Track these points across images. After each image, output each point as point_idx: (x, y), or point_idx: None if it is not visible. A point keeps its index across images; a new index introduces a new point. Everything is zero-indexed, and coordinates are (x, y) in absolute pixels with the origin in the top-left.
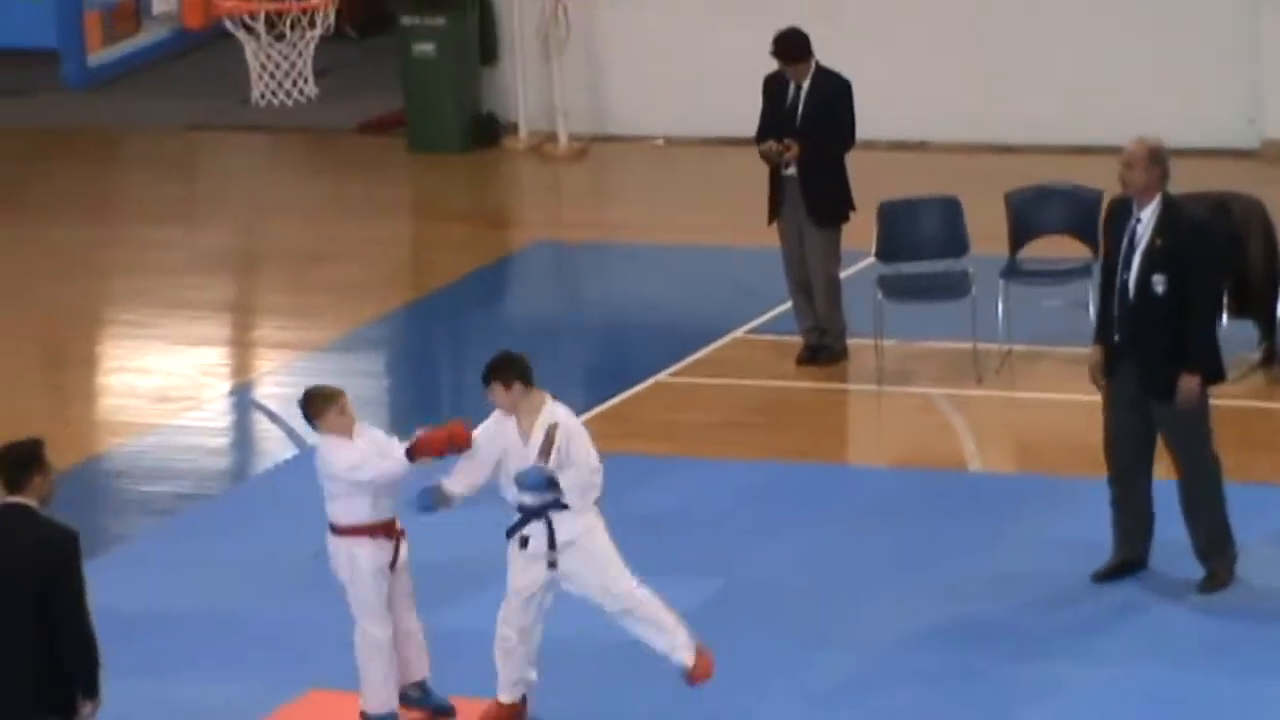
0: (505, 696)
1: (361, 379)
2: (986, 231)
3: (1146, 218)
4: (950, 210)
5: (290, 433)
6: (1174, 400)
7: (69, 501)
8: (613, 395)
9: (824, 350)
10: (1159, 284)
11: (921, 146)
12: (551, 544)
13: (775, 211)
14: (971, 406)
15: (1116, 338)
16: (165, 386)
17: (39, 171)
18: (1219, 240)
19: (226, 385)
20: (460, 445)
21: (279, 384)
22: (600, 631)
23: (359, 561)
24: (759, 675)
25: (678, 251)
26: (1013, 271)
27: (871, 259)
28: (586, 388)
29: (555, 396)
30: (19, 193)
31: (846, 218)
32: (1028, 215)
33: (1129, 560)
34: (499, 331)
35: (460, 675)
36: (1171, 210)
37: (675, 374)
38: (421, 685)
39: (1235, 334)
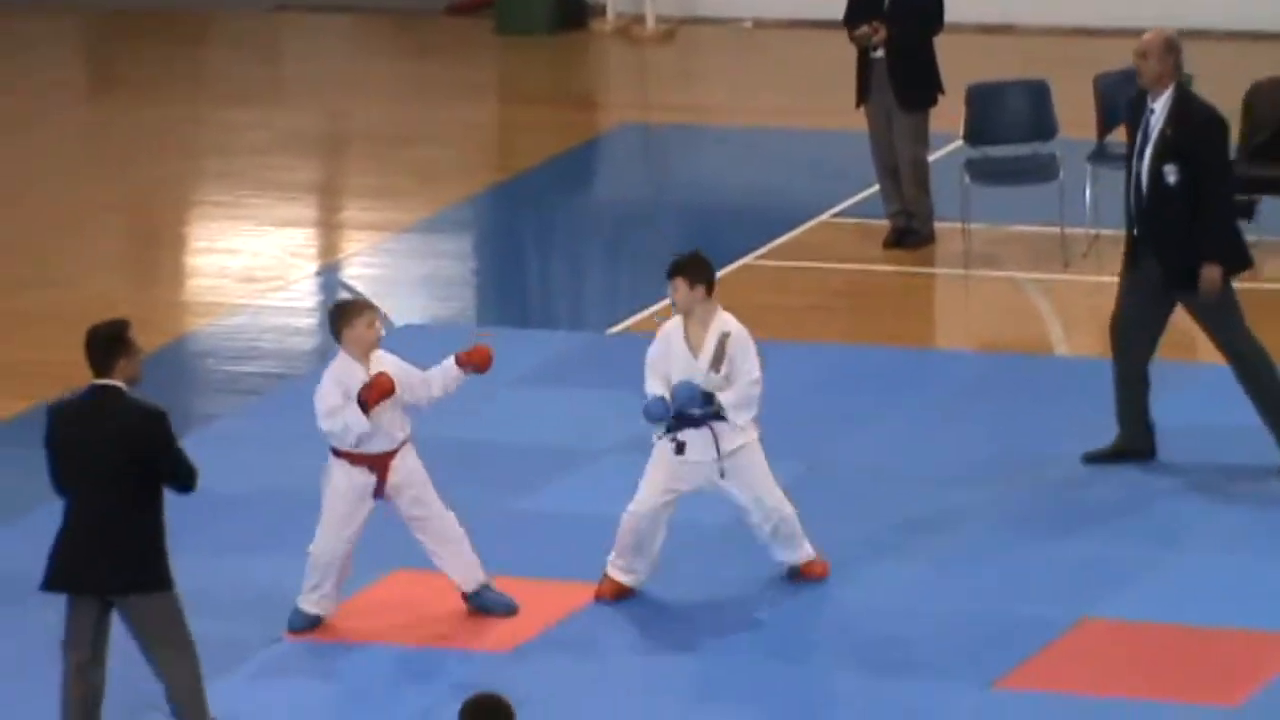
0: (623, 578)
1: (447, 260)
2: (1075, 116)
3: (1159, 108)
4: (1038, 94)
5: (377, 313)
6: (1196, 291)
7: (156, 381)
8: None
9: (910, 234)
10: (1170, 174)
11: (1009, 29)
12: (717, 452)
13: (863, 95)
14: (1058, 291)
15: (1135, 230)
16: (252, 267)
17: (127, 52)
18: (1228, 129)
19: (313, 266)
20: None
21: (365, 265)
22: (700, 516)
23: (333, 478)
24: (843, 559)
25: (764, 134)
26: (1101, 155)
27: (959, 142)
28: None
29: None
30: (108, 73)
31: (934, 101)
32: (1116, 98)
33: (1127, 450)
34: (585, 214)
35: (540, 559)
36: (1183, 100)
37: (761, 257)
38: (476, 594)
39: None
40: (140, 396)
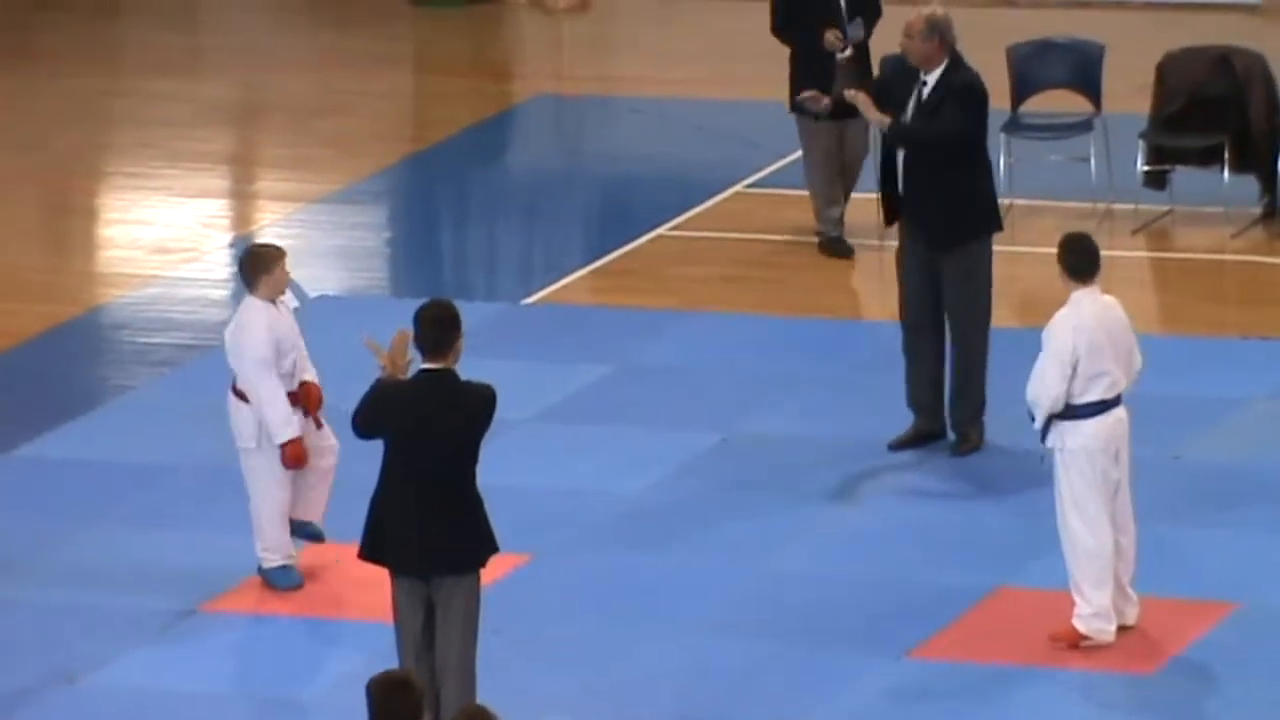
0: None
1: (362, 231)
2: (988, 86)
3: (932, 81)
4: None
5: (291, 284)
6: (954, 253)
7: (70, 353)
8: (614, 249)
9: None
10: None
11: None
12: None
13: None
14: None
15: (903, 191)
16: (166, 238)
17: (44, 22)
18: (985, 99)
19: (227, 237)
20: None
21: (279, 236)
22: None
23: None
24: (758, 530)
25: (679, 105)
26: (1014, 126)
27: None
28: (588, 240)
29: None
30: (24, 42)
31: None
32: (1029, 69)
33: (926, 431)
34: (499, 185)
35: None
36: (951, 71)
37: (676, 227)
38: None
39: (1237, 189)
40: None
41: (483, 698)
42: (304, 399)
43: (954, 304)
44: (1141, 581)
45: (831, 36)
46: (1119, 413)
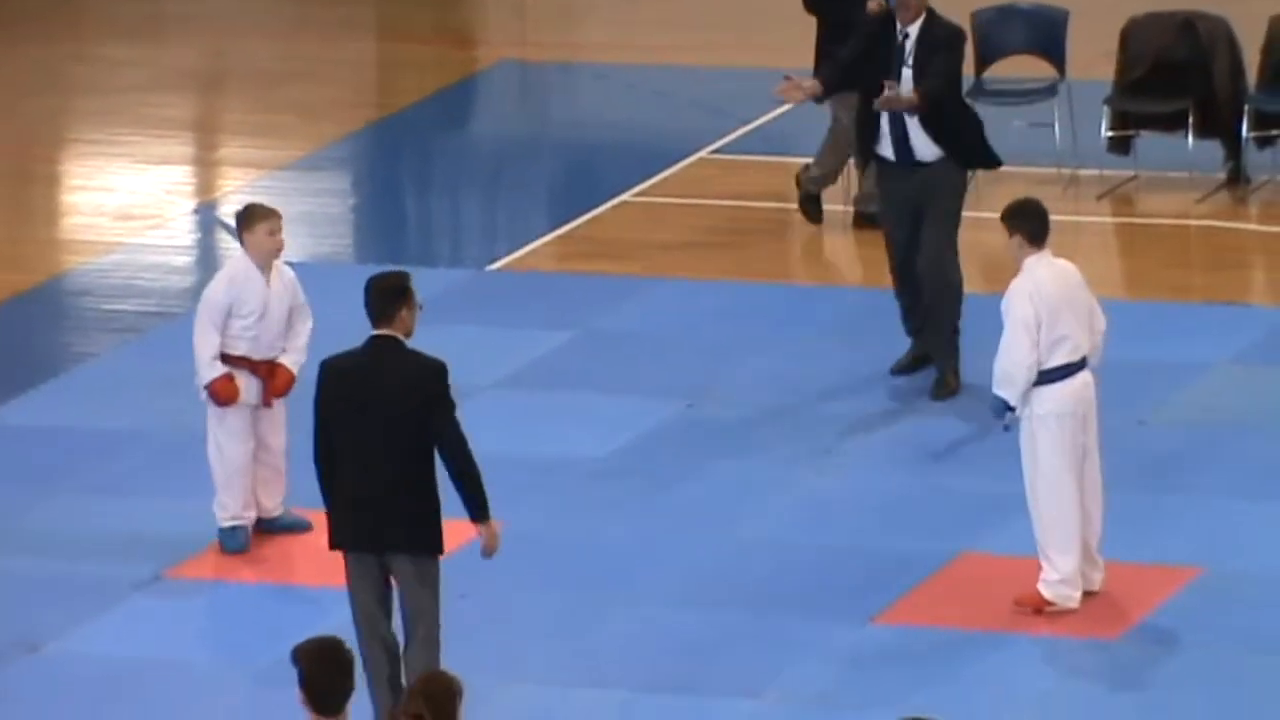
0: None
1: (326, 198)
2: None
3: (915, 32)
4: None
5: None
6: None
7: (33, 320)
8: (578, 215)
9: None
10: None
11: None
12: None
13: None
14: None
15: (893, 154)
16: (129, 205)
17: None
18: (963, 37)
19: (191, 203)
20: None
21: (243, 202)
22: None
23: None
24: (723, 496)
25: (644, 71)
26: (979, 91)
27: None
28: (552, 207)
29: None
30: None
31: None
32: (994, 34)
33: (923, 355)
34: (464, 152)
35: None
36: (932, 21)
37: (641, 194)
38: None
39: (1201, 154)
40: (418, 349)
41: (448, 663)
42: (268, 376)
43: (934, 221)
44: (1106, 546)
45: (874, 4)
46: (1085, 376)
